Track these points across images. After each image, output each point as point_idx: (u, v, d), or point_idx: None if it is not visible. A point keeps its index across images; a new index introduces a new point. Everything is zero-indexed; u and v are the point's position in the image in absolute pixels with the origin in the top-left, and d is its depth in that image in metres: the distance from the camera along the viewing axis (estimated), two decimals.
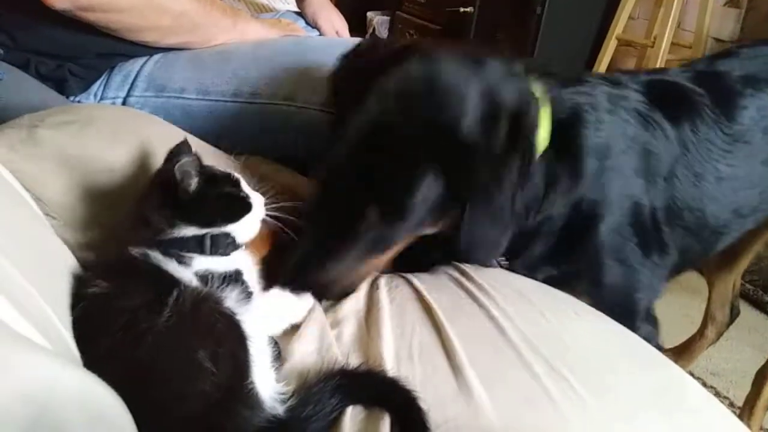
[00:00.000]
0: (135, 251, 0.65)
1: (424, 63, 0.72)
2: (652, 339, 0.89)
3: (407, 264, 0.84)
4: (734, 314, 1.57)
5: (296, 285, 0.72)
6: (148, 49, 1.20)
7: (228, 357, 0.57)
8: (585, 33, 2.84)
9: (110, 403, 0.49)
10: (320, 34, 1.59)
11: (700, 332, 1.61)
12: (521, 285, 0.83)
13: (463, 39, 3.20)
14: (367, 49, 0.83)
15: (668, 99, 0.93)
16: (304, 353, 0.68)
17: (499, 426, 0.60)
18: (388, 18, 4.01)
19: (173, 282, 0.62)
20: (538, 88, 0.80)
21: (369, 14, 4.08)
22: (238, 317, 0.61)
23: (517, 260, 0.88)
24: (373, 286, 0.80)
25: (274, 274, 0.74)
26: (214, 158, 0.87)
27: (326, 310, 0.77)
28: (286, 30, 1.42)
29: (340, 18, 1.62)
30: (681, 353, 1.63)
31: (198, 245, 0.67)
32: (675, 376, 0.72)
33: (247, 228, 0.71)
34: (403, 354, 0.68)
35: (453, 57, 0.74)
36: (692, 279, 1.61)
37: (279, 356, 0.67)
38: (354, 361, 0.67)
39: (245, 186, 0.72)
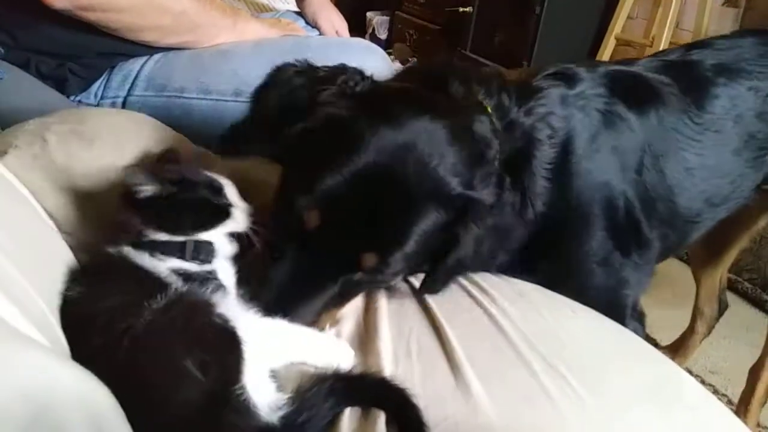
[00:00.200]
0: (113, 250, 0.65)
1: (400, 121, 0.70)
2: (639, 333, 0.89)
3: None
4: (722, 308, 1.59)
5: (271, 310, 0.67)
6: (149, 49, 1.20)
7: (215, 363, 0.56)
8: (584, 32, 2.84)
9: (109, 402, 0.49)
10: (320, 34, 1.59)
11: (691, 328, 1.63)
12: (519, 284, 0.83)
13: (461, 39, 3.21)
14: (304, 76, 0.80)
15: (630, 90, 0.92)
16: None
17: (498, 423, 0.61)
18: (388, 18, 4.01)
19: (158, 285, 0.61)
20: (495, 121, 0.80)
21: (369, 14, 4.08)
22: (231, 323, 0.60)
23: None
24: None
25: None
26: (209, 162, 0.87)
27: None
28: (286, 30, 1.42)
29: (340, 18, 1.62)
30: (677, 350, 1.65)
31: (178, 250, 0.66)
32: (671, 372, 0.72)
33: (224, 237, 0.68)
34: (401, 352, 0.69)
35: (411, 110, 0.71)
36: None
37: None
38: (353, 360, 0.67)
39: (230, 193, 0.69)
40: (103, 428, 0.46)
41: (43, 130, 0.80)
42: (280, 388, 0.61)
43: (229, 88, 1.18)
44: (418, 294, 0.76)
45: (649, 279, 0.96)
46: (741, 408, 1.43)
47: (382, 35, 4.02)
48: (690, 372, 0.77)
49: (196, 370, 0.54)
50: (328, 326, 0.72)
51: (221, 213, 0.68)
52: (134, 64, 1.22)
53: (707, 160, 0.96)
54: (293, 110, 0.75)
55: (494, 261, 0.82)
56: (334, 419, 0.60)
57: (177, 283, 0.62)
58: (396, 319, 0.74)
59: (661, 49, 2.29)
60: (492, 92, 0.83)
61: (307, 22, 1.61)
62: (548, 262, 0.88)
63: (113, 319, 0.57)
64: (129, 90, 1.21)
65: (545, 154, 0.83)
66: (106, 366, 0.53)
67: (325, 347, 0.68)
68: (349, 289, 0.72)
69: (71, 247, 0.74)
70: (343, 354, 0.68)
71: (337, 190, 0.66)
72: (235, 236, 0.70)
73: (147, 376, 0.55)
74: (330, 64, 0.82)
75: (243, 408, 0.56)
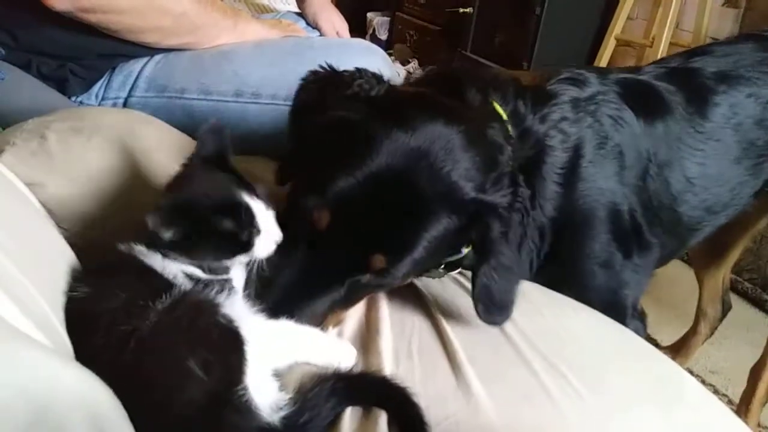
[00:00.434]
0: (124, 247, 0.64)
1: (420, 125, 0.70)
2: (640, 333, 0.89)
3: None
4: (725, 309, 1.59)
5: (276, 310, 0.67)
6: (149, 50, 1.20)
7: (219, 363, 0.56)
8: (584, 33, 2.84)
9: (110, 402, 0.49)
10: (321, 35, 1.59)
11: (693, 329, 1.63)
12: None
13: (461, 40, 3.22)
14: (323, 80, 0.81)
15: (640, 98, 0.93)
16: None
17: (499, 422, 0.61)
18: (388, 19, 4.02)
19: (165, 285, 0.60)
20: (510, 127, 0.81)
21: (369, 15, 4.09)
22: (235, 324, 0.59)
23: None
24: None
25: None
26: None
27: None
28: (286, 31, 1.42)
29: (340, 19, 1.62)
30: (678, 350, 1.65)
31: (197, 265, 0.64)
32: (672, 371, 0.72)
33: (243, 265, 0.66)
34: (402, 352, 0.69)
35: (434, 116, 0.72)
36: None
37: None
38: (355, 359, 0.67)
39: (262, 219, 0.65)
40: (104, 428, 0.46)
41: (42, 128, 0.80)
42: (281, 388, 0.61)
43: (229, 88, 1.18)
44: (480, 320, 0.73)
45: (647, 281, 0.97)
46: (742, 408, 1.43)
47: (383, 36, 4.02)
48: (690, 372, 0.77)
49: (199, 370, 0.54)
50: (331, 327, 0.72)
51: (240, 244, 0.65)
52: (135, 65, 1.22)
53: (709, 169, 0.98)
54: (309, 112, 0.76)
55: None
56: (336, 418, 0.61)
57: (185, 283, 0.62)
58: (397, 318, 0.74)
59: (661, 49, 2.30)
60: (508, 98, 0.84)
61: (307, 23, 1.61)
62: (550, 262, 0.88)
63: (118, 320, 0.56)
64: (130, 91, 1.21)
65: (557, 160, 0.84)
66: (109, 365, 0.53)
67: (328, 347, 0.68)
68: (356, 292, 0.72)
69: (70, 244, 0.73)
70: (346, 353, 0.68)
71: (349, 192, 0.66)
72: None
73: (150, 376, 0.55)
74: (331, 65, 0.83)
75: (245, 408, 0.56)
